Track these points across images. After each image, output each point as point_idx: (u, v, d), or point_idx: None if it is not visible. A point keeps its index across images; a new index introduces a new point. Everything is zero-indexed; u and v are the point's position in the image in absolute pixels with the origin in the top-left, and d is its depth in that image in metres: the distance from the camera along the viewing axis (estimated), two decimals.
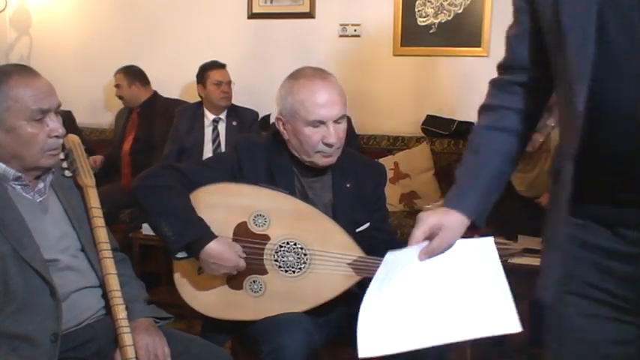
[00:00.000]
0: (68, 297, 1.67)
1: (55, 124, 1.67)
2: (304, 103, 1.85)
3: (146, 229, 3.31)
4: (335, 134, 1.86)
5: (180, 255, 1.79)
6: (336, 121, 1.87)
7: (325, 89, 1.86)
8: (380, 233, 2.04)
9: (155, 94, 4.30)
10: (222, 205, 1.85)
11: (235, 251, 1.80)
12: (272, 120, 4.11)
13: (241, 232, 1.84)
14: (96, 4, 4.73)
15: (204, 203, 1.83)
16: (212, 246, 1.76)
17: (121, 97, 4.26)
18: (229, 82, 3.99)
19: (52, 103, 1.67)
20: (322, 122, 1.85)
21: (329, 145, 1.87)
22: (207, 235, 1.77)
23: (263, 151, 1.95)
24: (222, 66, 3.99)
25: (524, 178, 3.46)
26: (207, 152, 3.95)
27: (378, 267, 1.80)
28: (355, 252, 1.83)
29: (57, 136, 1.68)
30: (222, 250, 1.77)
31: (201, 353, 1.74)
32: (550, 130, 3.47)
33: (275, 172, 1.92)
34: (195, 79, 4.03)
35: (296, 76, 1.91)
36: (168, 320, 1.83)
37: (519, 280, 2.68)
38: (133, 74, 4.21)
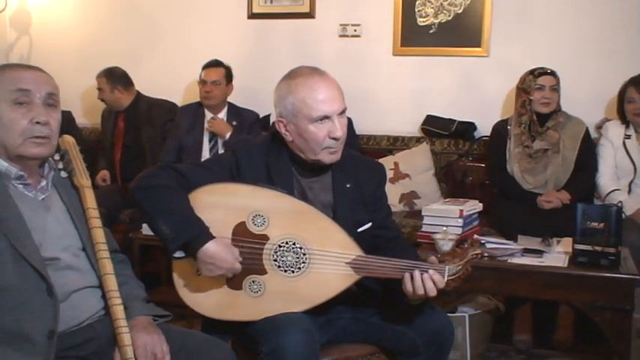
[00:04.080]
0: (69, 297, 1.67)
1: (40, 109, 1.64)
2: (306, 100, 1.84)
3: (146, 230, 3.31)
4: (340, 127, 1.86)
5: (177, 254, 1.79)
6: (339, 114, 1.87)
7: (325, 84, 1.87)
8: (385, 231, 2.04)
9: (138, 95, 4.23)
10: (220, 205, 1.84)
11: (232, 253, 1.79)
12: (272, 120, 4.11)
13: (240, 233, 1.83)
14: (96, 4, 4.73)
15: (202, 203, 1.83)
16: (209, 246, 1.76)
17: (103, 100, 4.23)
18: (214, 82, 3.94)
19: (36, 87, 1.64)
20: (327, 117, 1.85)
21: (335, 139, 1.87)
22: (205, 235, 1.77)
23: (261, 153, 1.94)
24: (214, 65, 3.96)
25: (536, 180, 3.45)
26: (205, 151, 3.96)
27: (377, 266, 1.81)
28: (354, 251, 1.83)
29: (39, 122, 1.63)
30: (219, 251, 1.76)
31: (201, 346, 1.74)
32: (561, 128, 3.45)
33: (273, 173, 1.92)
34: (194, 79, 4.04)
35: (292, 75, 1.90)
36: (167, 318, 1.82)
37: (520, 280, 2.69)
38: (115, 79, 4.14)
